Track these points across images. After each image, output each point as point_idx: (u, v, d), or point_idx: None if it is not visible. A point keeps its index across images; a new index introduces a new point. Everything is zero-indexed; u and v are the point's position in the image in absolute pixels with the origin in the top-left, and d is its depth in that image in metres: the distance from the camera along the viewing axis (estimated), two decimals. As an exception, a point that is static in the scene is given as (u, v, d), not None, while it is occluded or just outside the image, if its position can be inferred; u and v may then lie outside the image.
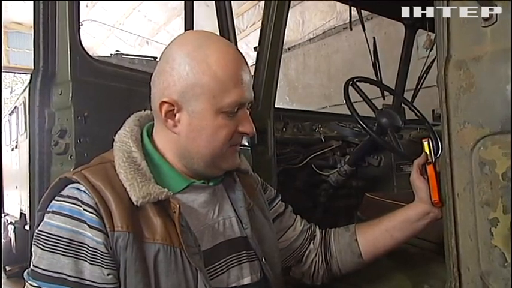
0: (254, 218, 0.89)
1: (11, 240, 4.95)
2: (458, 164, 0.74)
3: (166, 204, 0.74)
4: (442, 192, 0.83)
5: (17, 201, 4.84)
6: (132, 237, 0.69)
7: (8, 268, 4.55)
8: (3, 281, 4.32)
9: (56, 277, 0.67)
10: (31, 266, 0.70)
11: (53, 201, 0.73)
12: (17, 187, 4.77)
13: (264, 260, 0.86)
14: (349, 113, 1.47)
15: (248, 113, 0.81)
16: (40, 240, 0.70)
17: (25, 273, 0.71)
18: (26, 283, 0.70)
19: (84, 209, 0.70)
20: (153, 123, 0.85)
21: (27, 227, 4.53)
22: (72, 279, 0.67)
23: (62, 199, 0.72)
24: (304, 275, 1.05)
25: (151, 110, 0.84)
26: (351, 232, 1.03)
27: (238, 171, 0.92)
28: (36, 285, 0.68)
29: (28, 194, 1.14)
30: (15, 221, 4.94)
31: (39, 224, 0.73)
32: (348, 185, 1.79)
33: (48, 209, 0.73)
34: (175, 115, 0.77)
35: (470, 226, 0.73)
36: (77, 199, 0.71)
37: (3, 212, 5.42)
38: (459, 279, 0.75)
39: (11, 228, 5.07)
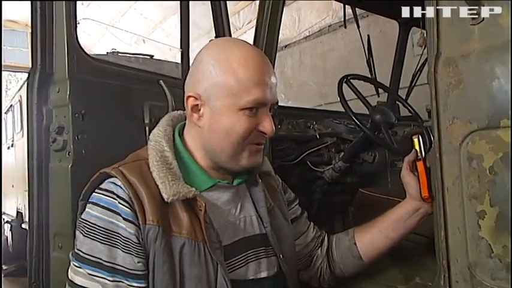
0: (274, 218, 0.95)
1: (7, 238, 4.95)
2: (448, 158, 0.76)
3: (193, 202, 0.80)
4: (432, 186, 0.85)
5: (13, 200, 4.82)
6: (162, 231, 0.76)
7: (4, 267, 4.53)
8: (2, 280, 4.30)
9: (94, 261, 0.76)
10: (75, 248, 0.80)
11: (93, 194, 0.82)
12: (13, 186, 4.76)
13: (281, 256, 0.92)
14: (344, 110, 1.48)
15: (270, 114, 0.86)
16: (82, 227, 0.79)
17: (70, 254, 0.81)
18: (71, 263, 0.79)
19: (119, 203, 0.77)
20: (185, 123, 0.92)
21: (23, 226, 4.52)
22: (107, 263, 0.76)
23: (100, 192, 0.80)
24: (312, 278, 1.10)
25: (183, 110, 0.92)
26: (350, 236, 1.07)
27: (261, 173, 0.98)
28: (79, 265, 0.77)
29: (27, 190, 1.15)
30: (12, 220, 4.93)
31: (81, 212, 0.82)
32: (342, 181, 1.80)
33: (89, 200, 0.81)
34: (199, 109, 0.84)
35: (459, 219, 0.75)
36: (113, 193, 0.78)
37: (3, 211, 5.40)
38: (448, 270, 0.77)
39: (7, 226, 5.06)
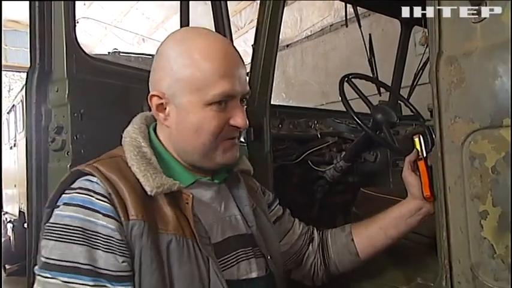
0: (258, 218, 0.91)
1: (10, 238, 4.96)
2: (450, 158, 0.75)
3: (178, 196, 0.75)
4: (434, 186, 0.84)
5: (15, 200, 4.84)
6: (148, 226, 0.70)
7: (7, 266, 4.55)
8: (2, 279, 4.32)
9: (69, 266, 0.67)
10: (42, 259, 0.69)
11: (63, 195, 0.73)
12: (15, 185, 4.77)
13: (269, 257, 0.88)
14: (345, 110, 1.48)
15: (241, 106, 0.81)
16: (51, 232, 0.69)
17: (35, 268, 0.70)
18: (37, 277, 0.69)
19: (96, 198, 0.70)
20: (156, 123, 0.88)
21: (26, 225, 4.53)
22: (85, 267, 0.67)
23: (72, 191, 0.73)
24: (305, 277, 1.07)
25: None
26: (347, 232, 1.04)
27: (241, 171, 0.94)
28: (50, 275, 0.67)
29: (25, 190, 1.15)
30: (14, 219, 4.94)
31: (47, 220, 0.73)
32: (344, 181, 1.80)
33: (58, 203, 0.73)
34: (165, 108, 0.79)
35: (461, 219, 0.74)
36: (89, 189, 0.71)
37: (2, 211, 5.42)
38: (450, 271, 0.76)
39: (9, 226, 5.08)
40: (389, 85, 2.16)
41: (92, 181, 0.72)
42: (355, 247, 1.02)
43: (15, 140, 4.94)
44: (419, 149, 0.96)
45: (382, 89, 1.96)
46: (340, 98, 1.51)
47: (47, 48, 1.14)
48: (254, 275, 0.84)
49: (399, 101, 2.10)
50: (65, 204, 0.71)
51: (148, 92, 0.81)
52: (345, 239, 1.03)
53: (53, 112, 1.14)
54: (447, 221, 0.76)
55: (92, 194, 0.70)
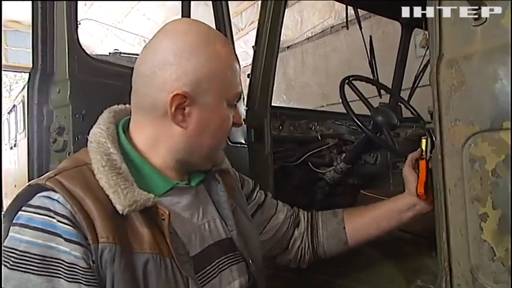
0: (238, 219, 0.87)
1: (9, 238, 4.95)
2: (450, 160, 0.76)
3: (152, 211, 0.68)
4: (434, 188, 0.84)
5: (15, 200, 4.83)
6: (120, 249, 0.63)
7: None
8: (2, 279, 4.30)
9: None
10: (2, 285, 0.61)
11: (20, 212, 0.65)
12: (15, 186, 4.77)
13: (251, 261, 0.84)
14: (346, 111, 1.48)
15: None
16: (7, 258, 0.61)
17: None
18: None
19: (58, 221, 0.62)
20: (128, 119, 0.80)
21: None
22: None
23: (31, 210, 0.64)
24: (291, 261, 1.06)
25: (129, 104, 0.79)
26: (339, 219, 1.04)
27: (220, 171, 0.89)
28: None
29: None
30: (14, 220, 4.93)
31: (5, 238, 0.64)
32: (344, 183, 1.80)
33: (15, 221, 0.64)
34: (184, 108, 0.72)
35: (461, 221, 0.74)
36: (49, 209, 0.62)
37: (3, 211, 5.42)
38: (450, 273, 0.76)
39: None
40: (390, 87, 2.17)
41: (53, 199, 0.63)
42: (346, 235, 1.02)
43: (15, 140, 4.94)
44: (424, 148, 0.98)
45: (382, 91, 1.97)
46: (340, 100, 1.52)
47: (49, 49, 1.15)
48: (237, 284, 0.81)
49: (400, 103, 2.11)
50: (22, 225, 0.62)
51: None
52: (337, 225, 1.03)
53: (55, 113, 1.14)
54: (447, 223, 0.77)
55: (52, 215, 0.62)
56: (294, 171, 1.76)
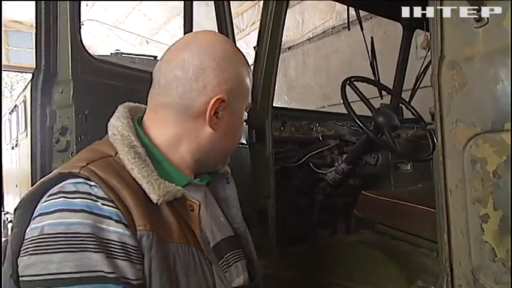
0: (244, 218, 0.90)
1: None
2: (451, 161, 0.76)
3: (180, 202, 0.70)
4: (435, 189, 0.85)
5: (17, 200, 4.84)
6: (156, 237, 0.64)
7: (7, 266, 4.54)
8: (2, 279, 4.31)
9: (92, 276, 0.58)
10: (39, 277, 0.58)
11: (52, 200, 0.63)
12: (17, 186, 4.78)
13: (252, 259, 0.87)
14: (347, 112, 1.49)
15: None
16: (54, 243, 0.59)
17: None
18: None
19: (102, 204, 0.62)
20: (140, 116, 0.81)
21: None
22: (111, 275, 0.59)
23: (67, 195, 0.62)
24: None
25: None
26: None
27: (226, 172, 0.92)
28: None
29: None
30: (15, 219, 4.94)
31: (26, 227, 0.63)
32: (345, 183, 1.81)
33: (48, 209, 0.62)
34: (218, 112, 0.75)
35: (462, 222, 0.74)
36: (90, 193, 0.62)
37: (3, 211, 5.43)
38: (451, 273, 0.77)
39: (10, 226, 5.08)
40: (391, 88, 2.17)
41: (90, 185, 0.63)
42: None
43: (17, 140, 4.95)
44: None
45: (383, 92, 1.97)
46: (341, 101, 1.52)
47: (52, 49, 1.15)
48: (241, 279, 0.83)
49: (401, 104, 2.11)
50: (63, 210, 0.61)
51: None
52: None
53: (58, 113, 1.15)
54: (448, 224, 0.77)
55: (94, 198, 0.62)
56: (295, 172, 1.77)
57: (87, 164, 0.65)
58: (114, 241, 0.61)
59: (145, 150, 0.73)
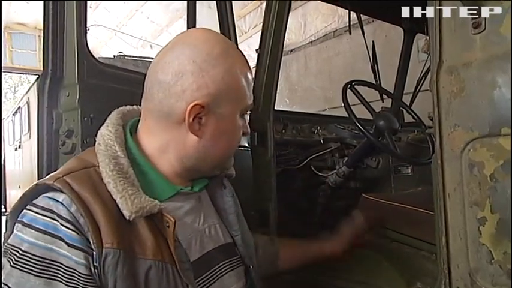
0: (241, 224, 0.88)
1: (13, 239, 4.96)
2: (449, 165, 0.77)
3: (157, 217, 0.68)
4: (434, 192, 0.86)
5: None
6: (123, 255, 0.63)
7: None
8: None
9: None
10: (2, 280, 0.61)
11: (25, 211, 0.65)
12: (19, 186, 4.80)
13: (251, 266, 0.85)
14: (348, 116, 1.50)
15: None
16: (10, 255, 0.61)
17: None
18: None
19: (61, 224, 0.61)
20: (136, 120, 0.80)
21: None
22: None
23: (35, 210, 0.63)
24: None
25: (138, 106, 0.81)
26: (276, 249, 1.06)
27: (227, 175, 0.89)
28: None
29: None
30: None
31: (10, 234, 0.65)
32: (346, 186, 1.82)
33: (19, 219, 0.64)
34: (201, 118, 0.72)
35: (460, 225, 0.75)
36: (53, 212, 0.62)
37: (6, 211, 5.45)
38: (449, 276, 0.77)
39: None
40: (392, 92, 2.18)
41: (57, 201, 0.63)
42: (278, 266, 1.05)
43: (20, 142, 4.97)
44: None
45: (384, 96, 1.98)
46: (343, 104, 1.54)
47: (58, 53, 1.17)
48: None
49: (401, 108, 2.12)
50: (25, 225, 0.63)
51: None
52: (273, 257, 1.05)
53: (64, 116, 1.17)
54: (446, 227, 0.78)
55: (56, 217, 0.62)
56: (296, 175, 1.78)
57: (63, 176, 0.65)
58: (63, 265, 0.61)
59: (129, 161, 0.71)
